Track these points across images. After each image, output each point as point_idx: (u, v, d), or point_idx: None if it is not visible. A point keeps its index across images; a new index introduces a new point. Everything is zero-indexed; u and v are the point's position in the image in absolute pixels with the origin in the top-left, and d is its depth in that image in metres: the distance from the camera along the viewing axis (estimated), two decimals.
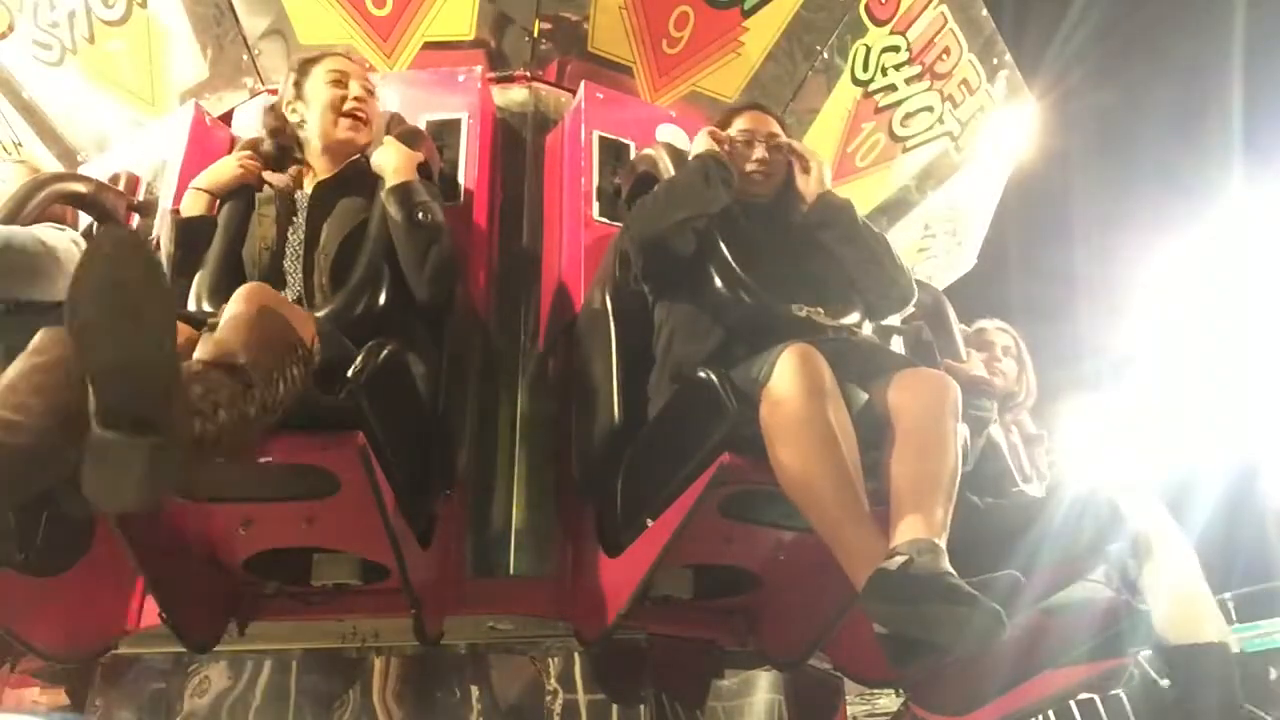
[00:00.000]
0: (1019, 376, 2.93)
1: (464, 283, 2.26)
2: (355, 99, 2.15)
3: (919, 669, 2.12)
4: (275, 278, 1.97)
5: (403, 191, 2.00)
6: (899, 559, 1.42)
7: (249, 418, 1.33)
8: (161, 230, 2.10)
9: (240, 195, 2.13)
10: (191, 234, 2.06)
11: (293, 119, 2.18)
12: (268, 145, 2.22)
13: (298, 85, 2.18)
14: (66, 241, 2.24)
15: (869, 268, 2.10)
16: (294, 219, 2.06)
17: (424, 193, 2.02)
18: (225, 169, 2.16)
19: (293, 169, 2.18)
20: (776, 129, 2.28)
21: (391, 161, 2.06)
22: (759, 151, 2.21)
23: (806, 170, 2.22)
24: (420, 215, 1.97)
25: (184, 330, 1.58)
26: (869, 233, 2.15)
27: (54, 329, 1.44)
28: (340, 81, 2.16)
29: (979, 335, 2.98)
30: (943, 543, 1.46)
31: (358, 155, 2.14)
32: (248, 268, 2.01)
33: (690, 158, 2.16)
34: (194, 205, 2.10)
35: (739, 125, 2.27)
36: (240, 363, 1.35)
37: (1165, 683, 2.33)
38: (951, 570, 1.40)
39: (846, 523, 1.51)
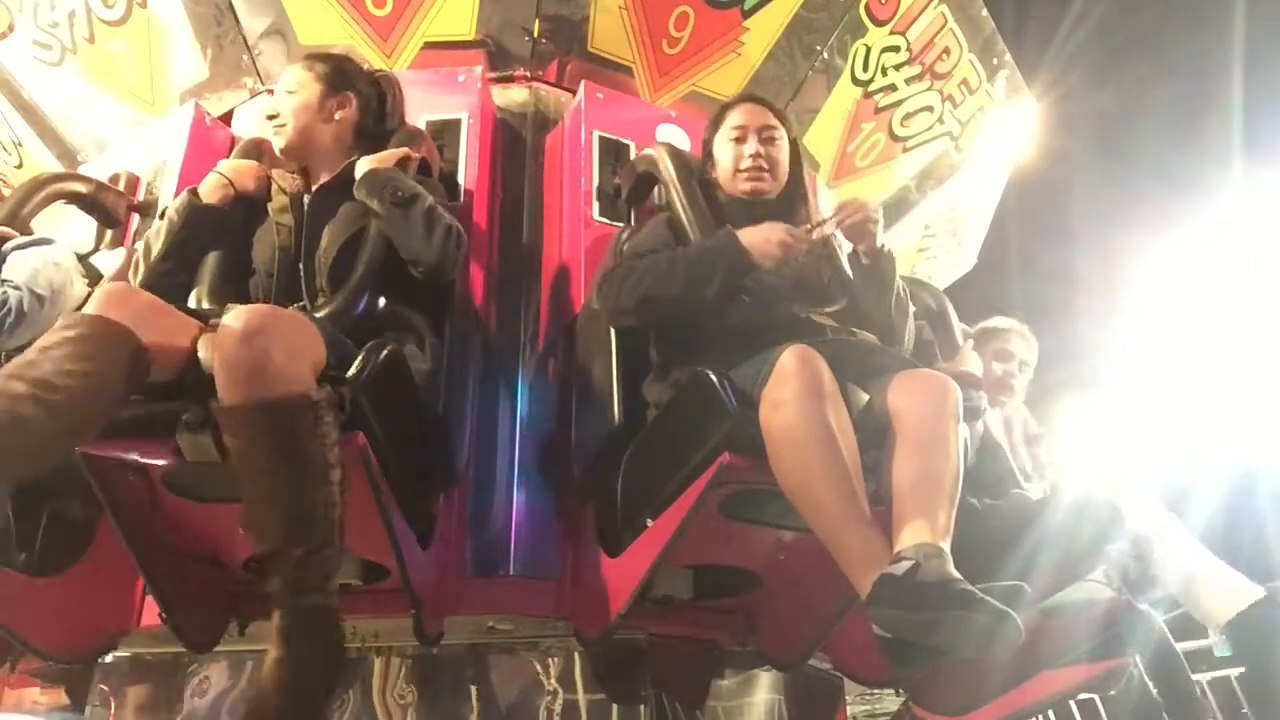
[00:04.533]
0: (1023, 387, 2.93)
1: (464, 282, 2.26)
2: (268, 117, 2.14)
3: (919, 671, 2.12)
4: (288, 282, 1.98)
5: (367, 180, 2.01)
6: (905, 564, 1.41)
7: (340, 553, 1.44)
8: (172, 203, 2.08)
9: (248, 199, 2.13)
10: (201, 220, 2.03)
11: None
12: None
13: None
14: (59, 277, 2.25)
15: (875, 318, 2.03)
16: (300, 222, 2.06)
17: (389, 173, 2.02)
18: (248, 175, 2.13)
19: (299, 170, 2.18)
20: (773, 121, 2.21)
21: (361, 166, 2.06)
22: (751, 146, 2.16)
23: (860, 235, 1.99)
24: (388, 191, 1.96)
25: (191, 325, 1.58)
26: (898, 301, 2.05)
27: (80, 319, 1.45)
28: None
29: (999, 342, 2.92)
30: (947, 546, 1.45)
31: (355, 158, 2.13)
32: (259, 272, 2.01)
33: (727, 240, 1.97)
34: (213, 192, 2.06)
35: (732, 121, 2.21)
36: (306, 548, 1.40)
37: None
38: (959, 575, 1.39)
39: (847, 525, 1.50)
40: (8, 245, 2.29)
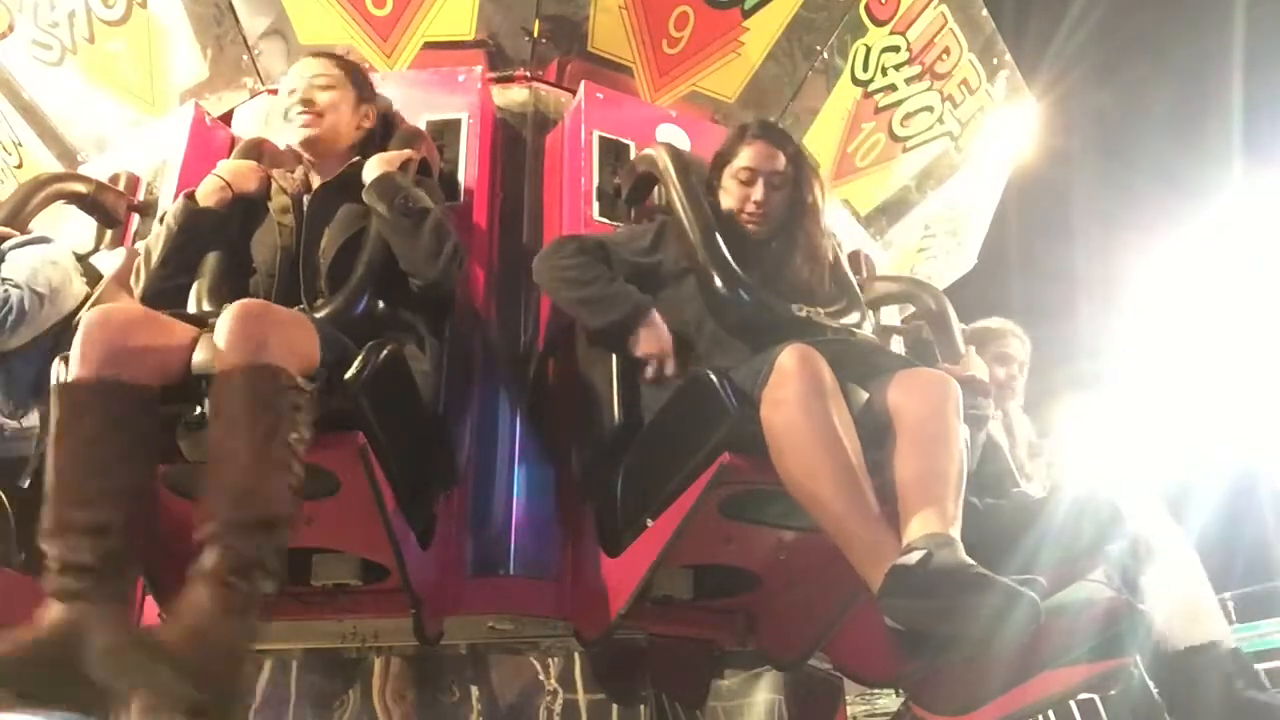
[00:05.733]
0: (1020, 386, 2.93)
1: (464, 282, 2.26)
2: (300, 101, 2.11)
3: (932, 662, 2.12)
4: (289, 282, 1.97)
5: (379, 185, 2.00)
6: (917, 554, 1.40)
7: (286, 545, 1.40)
8: (169, 209, 2.08)
9: (248, 200, 2.12)
10: (198, 224, 2.02)
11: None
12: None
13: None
14: (58, 275, 2.25)
15: None
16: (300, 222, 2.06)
17: (403, 182, 2.02)
18: (248, 176, 2.11)
19: (299, 170, 2.18)
20: (782, 165, 2.17)
21: (372, 168, 2.06)
22: (758, 193, 2.15)
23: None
24: (399, 201, 1.97)
25: (187, 331, 1.58)
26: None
27: (70, 392, 1.43)
28: (293, 91, 2.14)
29: (996, 345, 2.91)
30: (957, 535, 1.45)
31: (358, 157, 2.13)
32: (260, 272, 2.01)
33: (634, 314, 2.04)
34: (211, 195, 2.05)
35: (743, 159, 2.18)
36: (254, 519, 1.35)
37: (1156, 691, 2.36)
38: (973, 561, 1.38)
39: (854, 520, 1.50)
40: (6, 244, 2.29)
